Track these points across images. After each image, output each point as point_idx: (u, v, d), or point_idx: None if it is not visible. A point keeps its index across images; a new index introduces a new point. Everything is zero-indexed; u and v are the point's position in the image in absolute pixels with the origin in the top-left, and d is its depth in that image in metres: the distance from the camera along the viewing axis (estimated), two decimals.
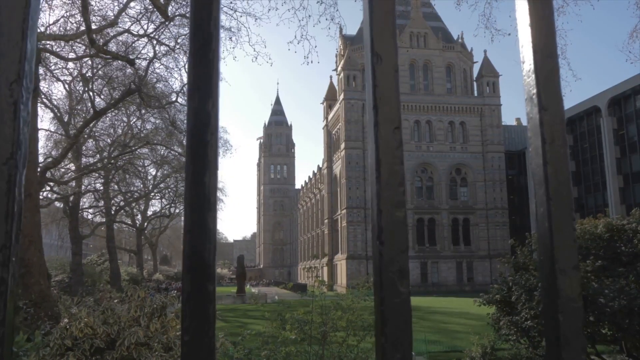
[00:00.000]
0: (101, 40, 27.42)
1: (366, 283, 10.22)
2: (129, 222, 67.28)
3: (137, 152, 45.50)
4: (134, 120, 45.65)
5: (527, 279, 10.87)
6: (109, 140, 46.57)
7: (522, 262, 11.45)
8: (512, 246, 12.64)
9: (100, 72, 36.07)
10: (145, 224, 68.45)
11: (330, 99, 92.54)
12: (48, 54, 27.89)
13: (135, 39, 29.38)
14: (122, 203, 59.38)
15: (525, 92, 0.81)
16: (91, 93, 36.52)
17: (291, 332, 7.57)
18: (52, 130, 42.83)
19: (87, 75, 36.27)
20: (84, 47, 29.43)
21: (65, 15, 27.88)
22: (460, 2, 20.69)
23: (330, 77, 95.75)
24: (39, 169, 28.14)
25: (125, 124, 46.46)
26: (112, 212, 57.77)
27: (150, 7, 22.98)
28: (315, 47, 74.08)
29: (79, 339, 6.74)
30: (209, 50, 0.70)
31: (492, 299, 11.77)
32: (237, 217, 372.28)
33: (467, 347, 18.55)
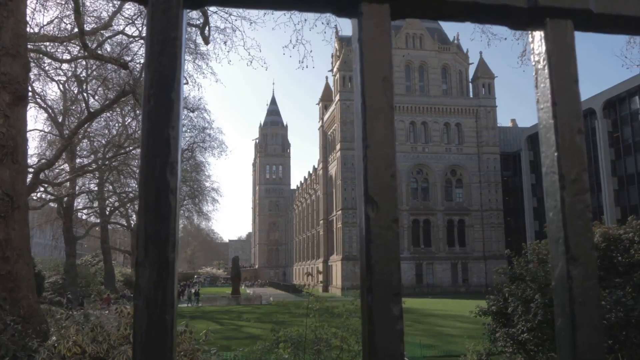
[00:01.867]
0: (95, 41, 27.22)
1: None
2: (124, 223, 66.97)
3: (131, 153, 45.26)
4: (129, 120, 45.44)
5: (523, 289, 10.76)
6: (103, 141, 46.31)
7: (518, 272, 11.36)
8: (508, 256, 12.55)
9: (94, 72, 35.85)
10: None
11: (326, 99, 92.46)
12: (42, 55, 27.67)
13: (130, 40, 29.19)
14: (116, 204, 59.10)
15: (548, 232, 0.68)
16: (85, 94, 36.30)
17: (284, 350, 7.45)
18: (46, 130, 42.58)
19: (81, 76, 36.06)
20: (78, 48, 29.19)
21: (59, 15, 27.66)
22: None
23: (326, 77, 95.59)
24: (32, 170, 27.92)
25: (120, 125, 46.24)
26: (107, 213, 57.50)
27: (144, 8, 22.77)
28: (311, 51, 74.33)
29: (67, 358, 6.58)
30: (165, 164, 0.57)
31: (488, 310, 11.67)
32: (233, 217, 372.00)
33: (462, 352, 18.49)
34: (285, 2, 0.65)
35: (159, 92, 0.58)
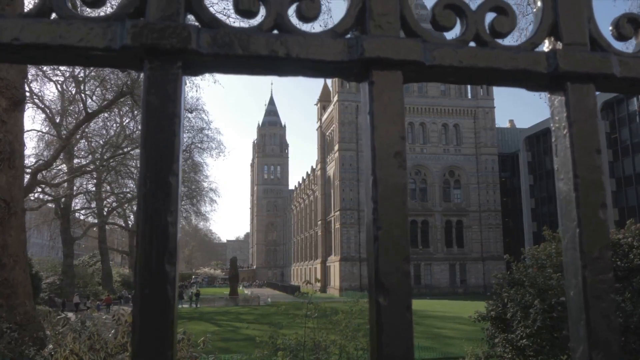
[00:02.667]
0: None
1: (359, 300, 10.07)
2: (122, 224, 66.84)
3: (129, 153, 45.17)
4: (127, 121, 45.32)
5: (522, 295, 10.72)
6: (101, 142, 46.18)
7: (517, 278, 11.33)
8: (507, 261, 12.52)
9: (92, 73, 35.74)
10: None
11: (324, 100, 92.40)
12: None
13: None
14: (114, 204, 58.96)
15: (569, 311, 0.64)
16: (83, 95, 36.21)
17: (283, 359, 7.40)
18: (44, 131, 42.44)
19: (79, 76, 35.94)
20: None
21: None
22: None
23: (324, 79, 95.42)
24: (30, 171, 27.83)
25: (117, 125, 46.12)
26: (104, 214, 57.36)
27: None
28: None
29: None
30: (163, 254, 0.52)
31: (487, 315, 11.63)
32: (231, 217, 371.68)
33: (460, 354, 18.45)
34: (291, 69, 0.60)
35: (155, 174, 0.54)
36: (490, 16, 0.65)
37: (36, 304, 27.78)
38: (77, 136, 40.21)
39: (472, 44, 0.64)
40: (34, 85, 33.33)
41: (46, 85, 69.53)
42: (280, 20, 0.60)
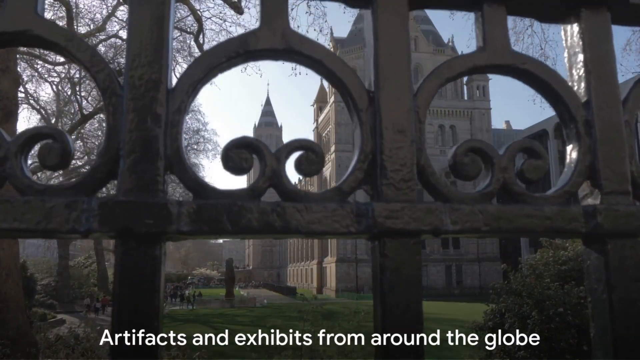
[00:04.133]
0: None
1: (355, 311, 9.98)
2: None
3: None
4: None
5: (520, 305, 10.66)
6: (96, 143, 45.99)
7: (514, 287, 11.26)
8: (504, 271, 12.46)
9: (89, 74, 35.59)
10: None
11: (320, 101, 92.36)
12: (34, 57, 27.44)
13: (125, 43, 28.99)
14: None
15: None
16: (79, 96, 36.05)
17: None
18: None
19: (74, 77, 35.78)
20: None
21: (52, 18, 27.43)
22: (454, 12, 20.76)
23: (321, 79, 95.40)
24: None
25: None
26: None
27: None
28: None
29: None
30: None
31: (484, 325, 11.56)
32: None
33: (457, 359, 18.41)
34: (290, 236, 0.52)
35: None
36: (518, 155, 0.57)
37: (32, 305, 27.57)
38: (73, 137, 40.07)
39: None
40: (29, 86, 33.17)
41: (41, 86, 69.37)
42: (277, 180, 0.52)
